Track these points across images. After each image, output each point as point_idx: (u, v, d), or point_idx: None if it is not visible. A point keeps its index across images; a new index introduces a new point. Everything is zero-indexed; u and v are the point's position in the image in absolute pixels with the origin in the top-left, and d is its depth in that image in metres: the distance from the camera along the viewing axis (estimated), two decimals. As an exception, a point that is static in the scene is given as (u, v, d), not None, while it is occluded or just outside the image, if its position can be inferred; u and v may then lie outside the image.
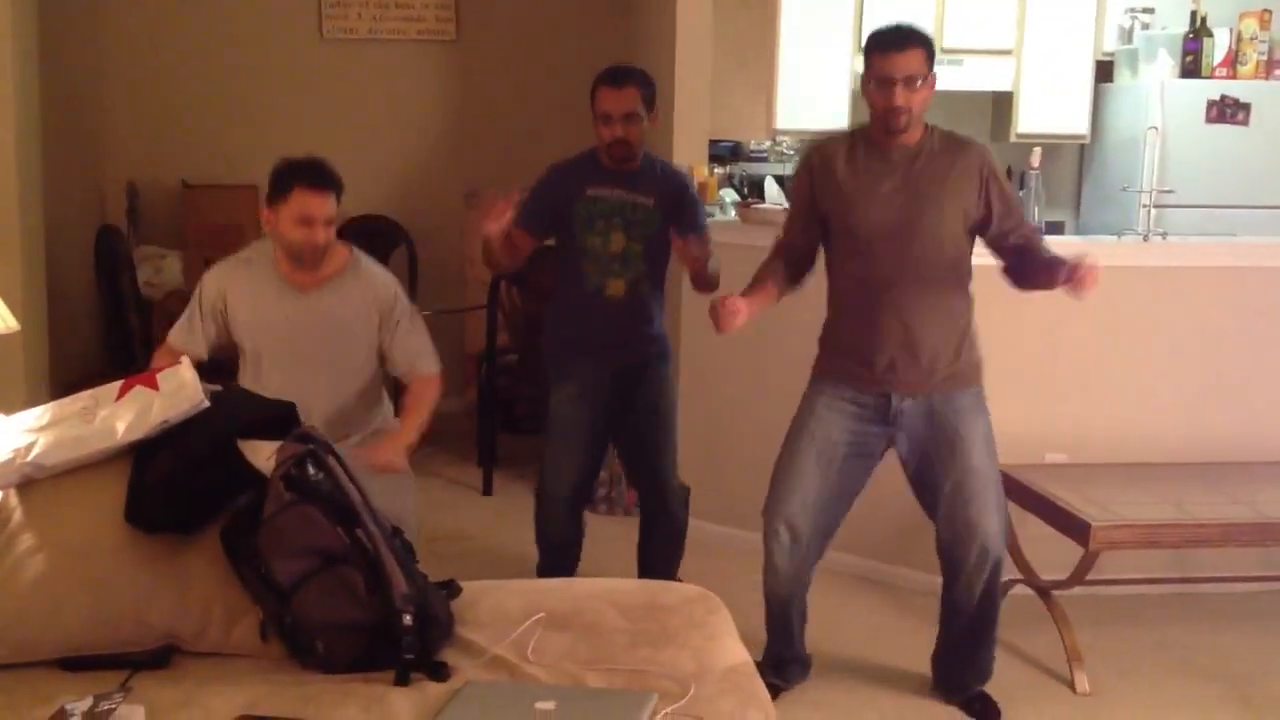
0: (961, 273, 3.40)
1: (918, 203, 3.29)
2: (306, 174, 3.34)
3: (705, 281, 3.77)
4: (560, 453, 3.96)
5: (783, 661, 3.62)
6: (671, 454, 4.04)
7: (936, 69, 3.31)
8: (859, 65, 6.04)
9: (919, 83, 3.21)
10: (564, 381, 3.94)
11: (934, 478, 3.43)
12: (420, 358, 3.60)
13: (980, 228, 3.36)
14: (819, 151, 3.45)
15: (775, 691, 3.42)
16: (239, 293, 3.46)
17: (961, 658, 3.59)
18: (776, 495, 3.49)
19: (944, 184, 3.30)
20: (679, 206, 3.83)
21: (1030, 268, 3.33)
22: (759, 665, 3.33)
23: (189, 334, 3.48)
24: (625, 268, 3.81)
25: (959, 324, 3.41)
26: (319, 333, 3.45)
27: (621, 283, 3.82)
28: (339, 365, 3.51)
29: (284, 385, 3.25)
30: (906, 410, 3.38)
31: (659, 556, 4.10)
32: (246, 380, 3.48)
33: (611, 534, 4.61)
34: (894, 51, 3.22)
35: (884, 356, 3.36)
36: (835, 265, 3.48)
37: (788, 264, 3.52)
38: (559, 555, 4.06)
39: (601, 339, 3.91)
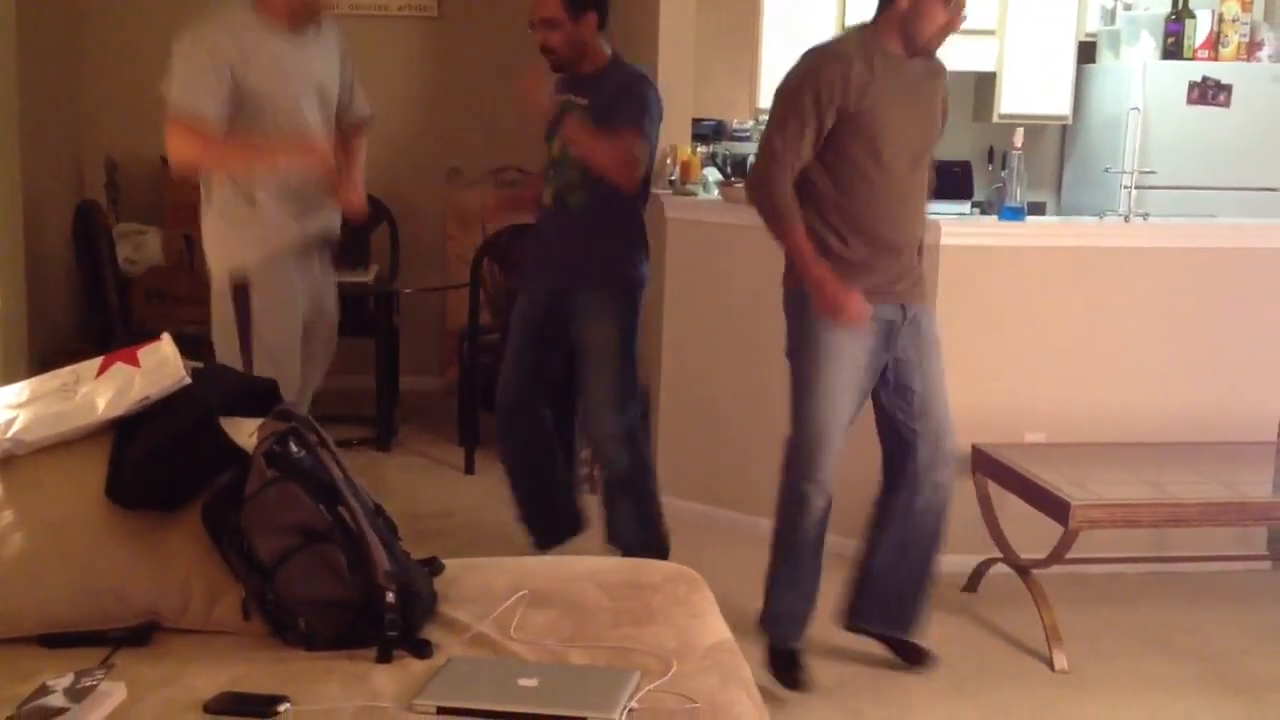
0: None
1: (931, 115, 3.40)
2: None
3: (599, 166, 3.64)
4: (502, 366, 3.99)
5: (803, 620, 3.58)
6: (603, 395, 3.83)
7: None
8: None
9: None
10: (523, 294, 3.98)
11: (908, 380, 3.47)
12: (361, 98, 3.80)
13: None
14: (840, 61, 3.25)
15: (794, 661, 3.46)
16: (248, 43, 3.44)
17: (903, 586, 3.59)
18: (817, 462, 3.41)
19: (939, 96, 3.44)
20: (614, 100, 3.68)
21: None
22: (770, 635, 3.44)
23: (213, 100, 3.39)
24: (556, 174, 3.74)
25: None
26: (324, 68, 3.61)
27: (550, 191, 3.75)
28: (332, 101, 3.66)
29: (292, 127, 3.47)
30: (910, 319, 3.43)
31: (610, 515, 4.00)
32: (243, 131, 3.46)
33: (594, 513, 4.60)
34: None
35: (901, 267, 3.39)
36: (844, 179, 3.31)
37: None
38: (517, 480, 4.06)
39: (535, 254, 3.87)
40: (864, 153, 3.27)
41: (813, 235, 3.32)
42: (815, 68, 3.26)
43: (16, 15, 4.94)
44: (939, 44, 3.33)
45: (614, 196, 3.73)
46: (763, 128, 6.32)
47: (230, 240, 3.55)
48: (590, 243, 3.78)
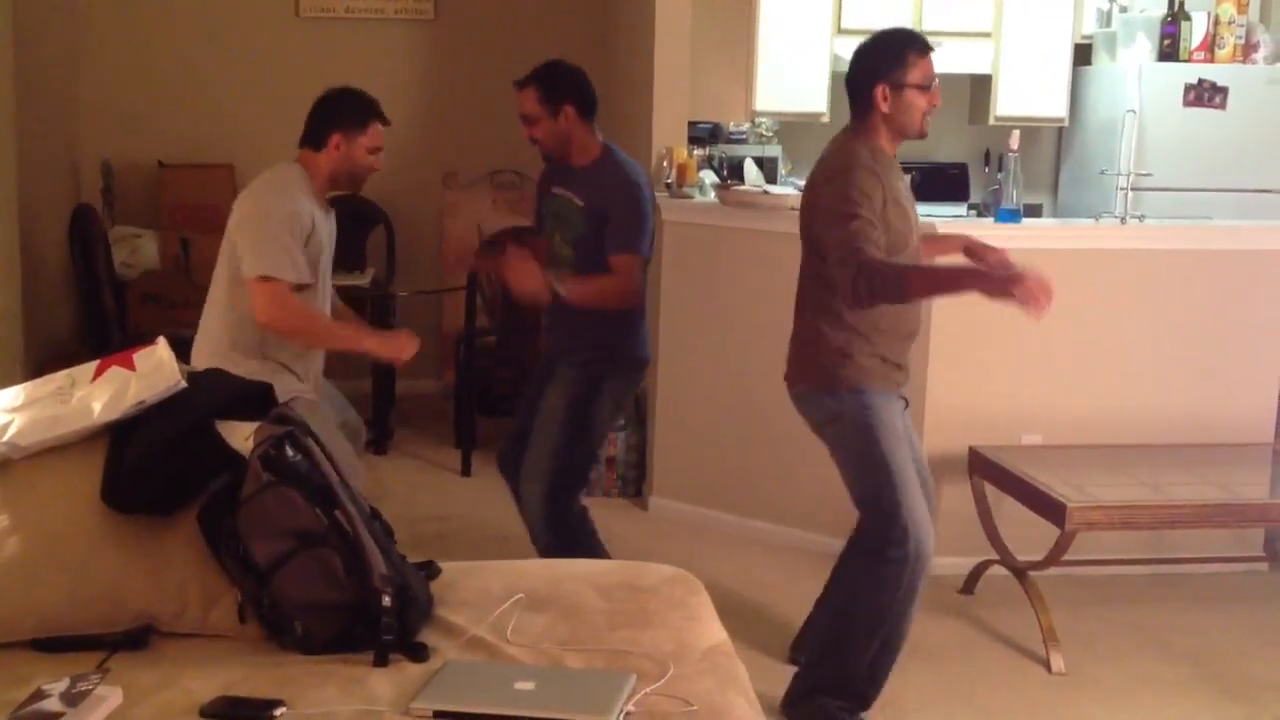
0: None
1: (913, 204, 3.37)
2: (378, 108, 3.68)
3: (608, 307, 3.72)
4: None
5: (874, 689, 3.37)
6: (537, 457, 3.77)
7: None
8: (838, 48, 6.07)
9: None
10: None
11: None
12: None
13: None
14: (870, 159, 3.24)
15: None
16: (310, 215, 3.54)
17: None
18: (923, 527, 3.23)
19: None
20: (607, 212, 3.70)
21: None
22: (827, 707, 3.28)
23: (303, 266, 3.46)
24: (557, 269, 3.73)
25: None
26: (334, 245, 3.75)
27: (551, 277, 3.71)
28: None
29: (324, 299, 3.65)
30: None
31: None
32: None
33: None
34: (929, 53, 3.28)
35: (908, 358, 3.40)
36: None
37: None
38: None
39: (544, 323, 3.93)
40: (889, 254, 3.21)
41: (854, 340, 3.26)
42: (855, 177, 3.18)
43: (13, 18, 4.93)
44: (926, 127, 3.31)
45: None
46: (759, 130, 6.38)
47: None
48: (577, 319, 3.76)
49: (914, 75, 3.24)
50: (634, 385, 3.97)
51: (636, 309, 3.85)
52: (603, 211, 3.70)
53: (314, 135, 3.62)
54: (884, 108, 3.24)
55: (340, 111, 3.62)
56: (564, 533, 3.80)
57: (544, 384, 3.87)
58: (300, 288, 3.48)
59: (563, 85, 3.73)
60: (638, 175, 3.81)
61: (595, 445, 3.93)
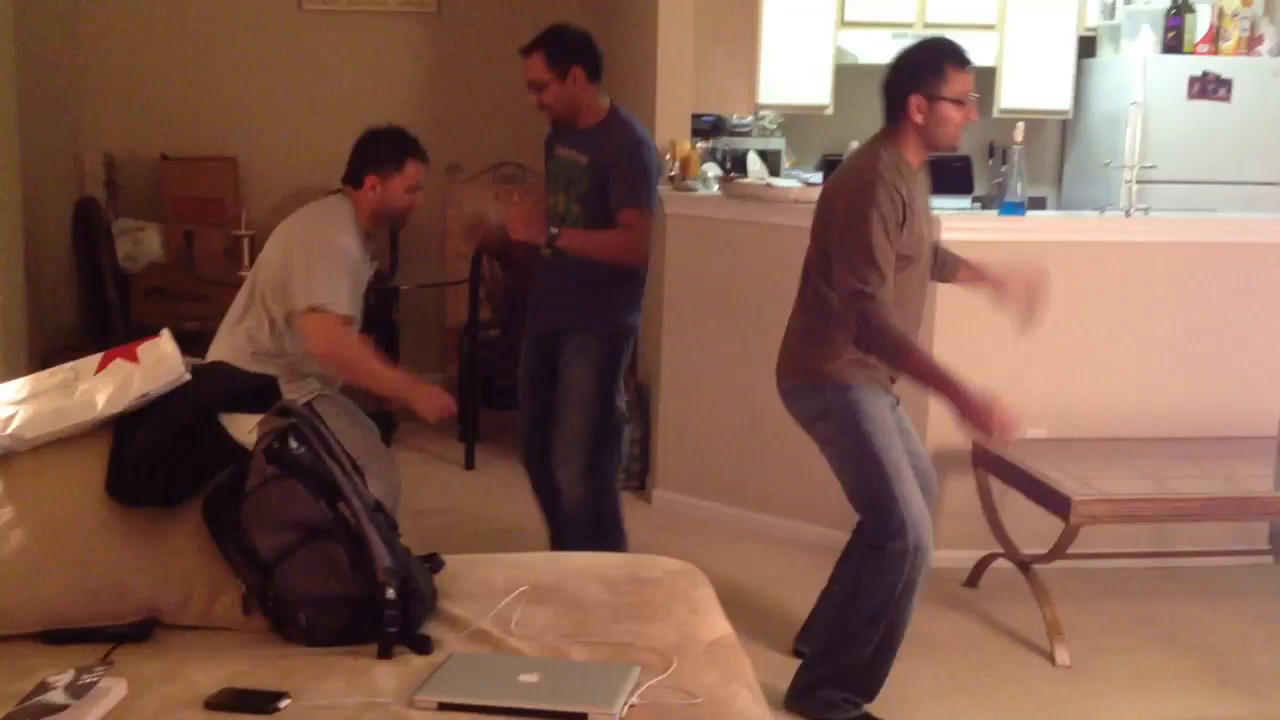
0: None
1: (932, 213, 3.38)
2: (416, 146, 3.64)
3: (609, 261, 3.73)
4: (523, 401, 4.02)
5: (877, 680, 3.37)
6: (568, 436, 3.79)
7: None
8: (842, 40, 6.07)
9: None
10: (528, 336, 4.00)
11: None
12: None
13: None
14: (888, 173, 3.18)
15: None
16: (357, 252, 3.55)
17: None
18: (921, 520, 3.22)
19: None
20: (611, 167, 3.70)
21: None
22: (832, 699, 3.29)
23: (350, 300, 3.48)
24: (560, 227, 3.73)
25: None
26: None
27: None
28: None
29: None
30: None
31: (556, 545, 3.92)
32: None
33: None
34: (969, 66, 3.25)
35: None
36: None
37: None
38: (545, 514, 4.04)
39: (536, 299, 3.92)
40: (904, 263, 3.22)
41: (842, 338, 3.24)
42: (876, 196, 3.14)
43: (14, 12, 4.92)
44: (959, 140, 3.30)
45: None
46: (762, 123, 6.37)
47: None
48: (585, 290, 3.79)
49: (951, 88, 3.20)
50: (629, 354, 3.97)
51: (642, 273, 3.86)
52: (607, 167, 3.70)
53: (352, 175, 3.63)
54: (917, 118, 3.21)
55: (375, 152, 3.61)
56: (605, 509, 3.85)
57: (548, 362, 3.85)
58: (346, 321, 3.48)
59: (570, 48, 3.74)
60: (643, 132, 3.84)
61: (620, 417, 3.93)
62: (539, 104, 3.77)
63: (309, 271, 3.43)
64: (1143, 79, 5.79)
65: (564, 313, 3.83)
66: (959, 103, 3.21)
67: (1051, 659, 3.75)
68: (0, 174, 4.72)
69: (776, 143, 6.28)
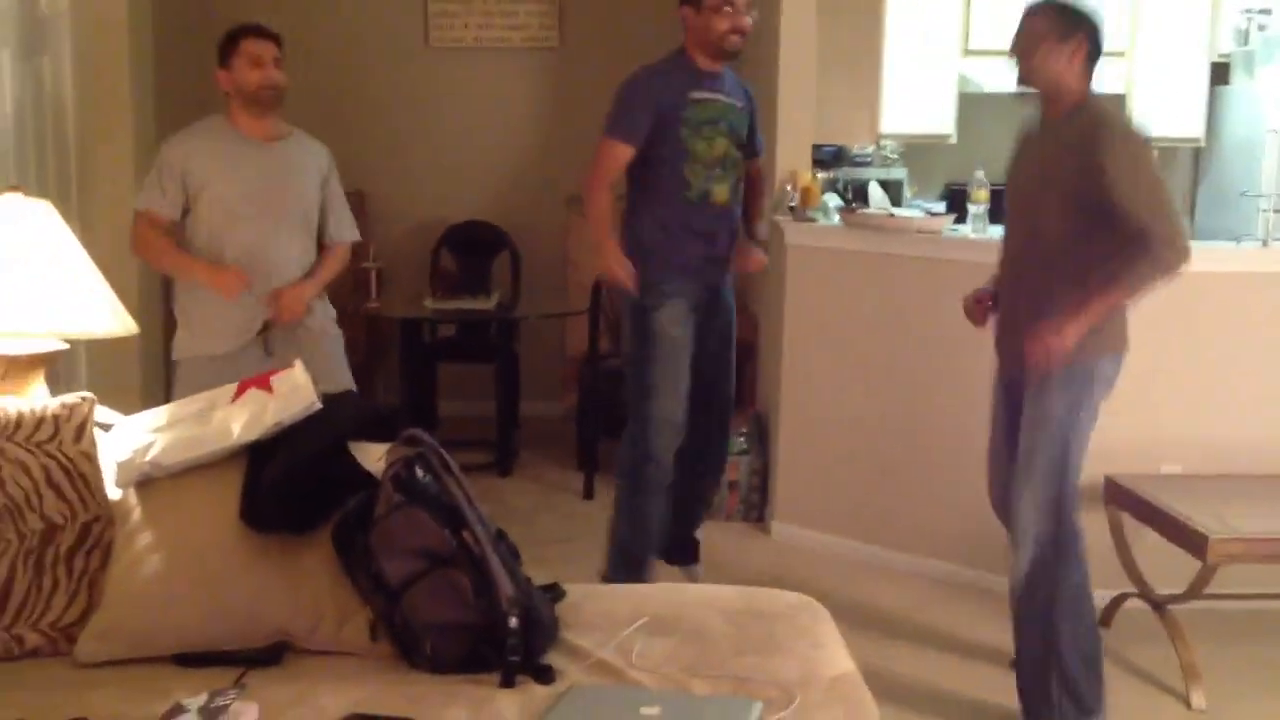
0: (1064, 255, 3.25)
1: (1033, 177, 3.34)
2: (249, 27, 3.87)
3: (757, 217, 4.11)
4: (671, 380, 3.87)
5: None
6: (732, 370, 4.13)
7: None
8: (965, 68, 5.99)
9: (1035, 48, 3.28)
10: (671, 300, 3.87)
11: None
12: (344, 223, 4.04)
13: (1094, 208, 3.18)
14: (1019, 132, 3.51)
15: None
16: (203, 154, 3.77)
17: (1027, 684, 3.42)
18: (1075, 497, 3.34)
19: (1051, 162, 3.28)
20: (753, 116, 4.02)
21: None
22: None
23: (162, 199, 3.75)
24: (726, 172, 3.87)
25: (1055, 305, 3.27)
26: (287, 181, 3.85)
27: (725, 188, 3.87)
28: (304, 215, 3.89)
29: (257, 238, 3.74)
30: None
31: (703, 494, 4.19)
32: (205, 241, 3.77)
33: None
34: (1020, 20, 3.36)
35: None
36: None
37: None
38: (661, 477, 3.94)
39: (707, 250, 3.92)
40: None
41: None
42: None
43: (155, 47, 5.09)
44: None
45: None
46: (884, 153, 6.32)
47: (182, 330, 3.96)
48: (736, 237, 4.02)
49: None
50: None
51: None
52: (750, 114, 4.02)
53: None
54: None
55: (219, 51, 3.88)
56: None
57: (711, 312, 4.01)
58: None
59: None
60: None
61: None
62: (743, 26, 3.82)
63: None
64: (1279, 106, 5.62)
65: (730, 264, 4.05)
66: None
67: (1187, 702, 3.63)
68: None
69: (898, 172, 6.23)
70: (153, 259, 3.89)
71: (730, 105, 3.91)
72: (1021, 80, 3.33)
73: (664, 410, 3.87)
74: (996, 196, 3.83)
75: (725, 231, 3.93)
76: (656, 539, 3.98)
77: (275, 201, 3.80)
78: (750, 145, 4.04)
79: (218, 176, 3.74)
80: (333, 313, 4.02)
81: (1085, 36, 3.25)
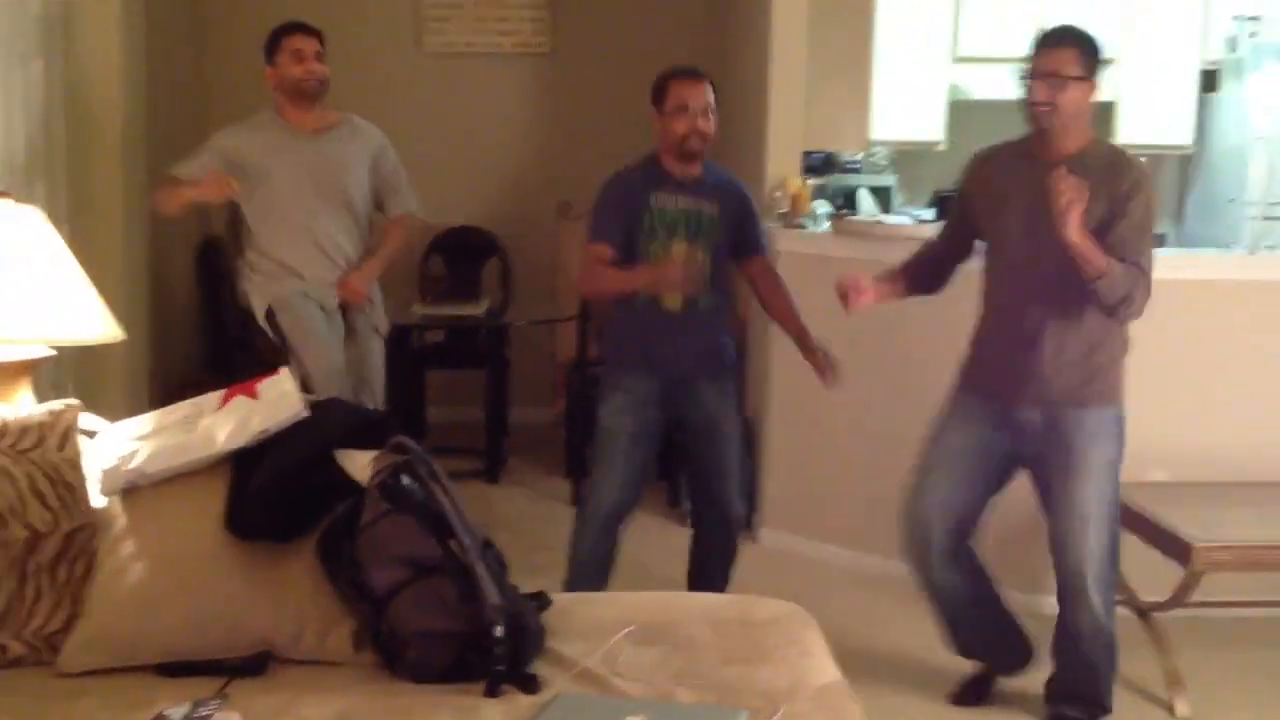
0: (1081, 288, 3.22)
1: (1051, 217, 3.09)
2: (292, 24, 4.22)
3: (798, 328, 3.96)
4: (605, 469, 3.87)
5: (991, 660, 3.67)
6: (734, 477, 3.89)
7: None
8: (955, 76, 6.01)
9: (1070, 83, 3.16)
10: (612, 393, 3.86)
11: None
12: (403, 197, 4.42)
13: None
14: (980, 156, 3.45)
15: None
16: (254, 147, 4.16)
17: (1064, 687, 3.51)
18: None
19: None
20: (742, 218, 3.86)
21: None
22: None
23: (187, 167, 4.15)
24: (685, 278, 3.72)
25: (1084, 342, 3.30)
26: (333, 171, 4.22)
27: (678, 295, 3.74)
28: (349, 203, 4.28)
29: (305, 226, 4.18)
30: (1026, 421, 3.36)
31: (704, 584, 3.95)
32: (258, 228, 4.27)
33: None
34: (1047, 48, 3.20)
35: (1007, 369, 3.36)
36: (984, 274, 3.47)
37: (924, 263, 3.56)
38: (587, 573, 3.90)
39: (655, 348, 3.82)
40: (986, 240, 3.48)
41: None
42: (967, 163, 3.50)
43: (147, 51, 5.09)
44: (1035, 125, 3.26)
45: (725, 290, 3.92)
46: (874, 160, 6.32)
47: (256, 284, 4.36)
48: (714, 333, 3.88)
49: (1027, 68, 3.25)
50: None
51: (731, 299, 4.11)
52: (735, 216, 3.85)
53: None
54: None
55: (265, 49, 4.25)
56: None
57: (679, 409, 3.84)
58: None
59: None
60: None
61: None
62: (699, 130, 3.72)
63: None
64: (1267, 113, 5.64)
65: (698, 362, 3.83)
66: (1028, 79, 3.21)
67: (1171, 710, 3.64)
68: (127, 212, 4.88)
69: (888, 179, 6.23)
70: (159, 203, 4.28)
71: (694, 209, 3.76)
72: (1041, 109, 3.18)
73: (594, 496, 3.92)
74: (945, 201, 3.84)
75: (689, 338, 3.79)
76: (593, 584, 3.92)
77: (324, 191, 4.16)
78: (747, 244, 3.89)
79: (269, 168, 4.12)
80: (381, 320, 4.54)
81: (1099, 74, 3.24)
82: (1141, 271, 3.16)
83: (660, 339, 3.81)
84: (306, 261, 4.29)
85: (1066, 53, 3.18)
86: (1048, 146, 3.24)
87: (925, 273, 3.57)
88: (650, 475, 4.27)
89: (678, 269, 3.64)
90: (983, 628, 3.59)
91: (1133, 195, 3.17)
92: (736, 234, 3.83)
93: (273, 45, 4.20)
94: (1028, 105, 3.22)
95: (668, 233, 3.76)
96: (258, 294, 4.35)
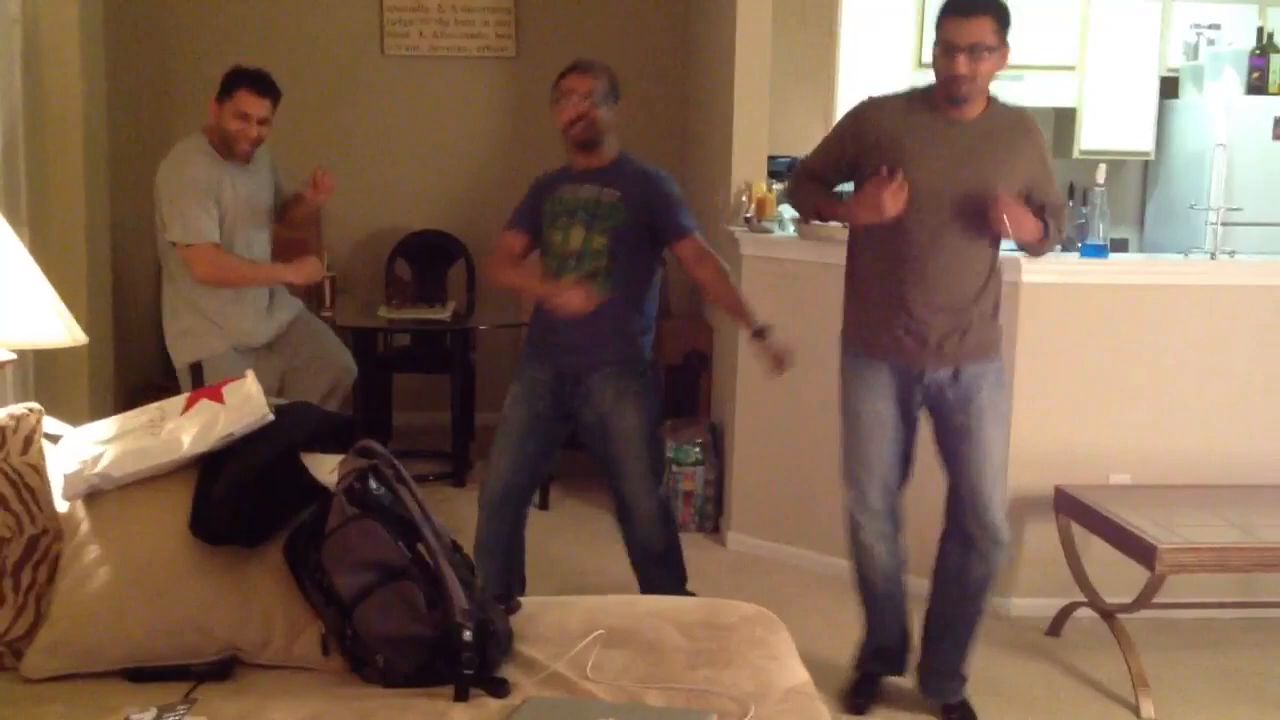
0: (993, 245, 3.40)
1: (972, 176, 3.26)
2: (250, 78, 4.13)
3: (736, 306, 3.82)
4: (495, 454, 3.91)
5: (891, 651, 3.71)
6: (638, 476, 3.78)
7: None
8: (919, 80, 6.03)
9: (986, 53, 3.18)
10: (514, 382, 3.88)
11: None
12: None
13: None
14: (874, 104, 3.43)
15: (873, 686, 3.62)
16: (217, 174, 4.12)
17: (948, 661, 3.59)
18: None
19: (1000, 161, 3.29)
20: (650, 201, 3.71)
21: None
22: (863, 665, 3.60)
23: (215, 227, 4.11)
24: (580, 264, 3.69)
25: (985, 295, 3.40)
26: (263, 195, 4.34)
27: (573, 279, 3.68)
28: (269, 221, 4.42)
29: (248, 246, 4.26)
30: (931, 379, 3.41)
31: (647, 583, 3.89)
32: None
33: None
34: (962, 17, 3.19)
35: (903, 325, 3.41)
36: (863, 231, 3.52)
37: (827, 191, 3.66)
38: (482, 558, 3.87)
39: (550, 338, 3.78)
40: None
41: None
42: (856, 106, 3.53)
43: (107, 52, 5.06)
44: (950, 96, 3.28)
45: (634, 281, 3.77)
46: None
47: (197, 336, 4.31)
48: (615, 326, 3.74)
49: (939, 35, 3.24)
50: None
51: (652, 285, 3.93)
52: (641, 201, 3.71)
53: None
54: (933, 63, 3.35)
55: (222, 83, 4.14)
56: (671, 524, 3.94)
57: (576, 403, 3.77)
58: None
59: (613, 81, 3.85)
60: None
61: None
62: (581, 114, 3.75)
63: (173, 212, 4.07)
64: (1226, 120, 5.70)
65: (595, 355, 3.74)
66: (944, 48, 3.22)
67: (1136, 711, 3.66)
68: (90, 217, 4.84)
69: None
70: (238, 278, 4.23)
71: (592, 198, 3.73)
72: (963, 81, 3.19)
73: (485, 481, 3.98)
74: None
75: (583, 332, 3.69)
76: (495, 579, 3.89)
77: (256, 214, 4.29)
78: (666, 228, 3.74)
79: (231, 195, 4.16)
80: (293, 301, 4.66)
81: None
82: (1060, 205, 3.45)
83: (556, 332, 3.77)
84: (239, 310, 4.30)
85: (985, 22, 3.18)
86: (957, 110, 3.28)
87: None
88: (554, 466, 4.39)
89: (570, 299, 3.58)
90: (894, 608, 3.65)
91: (1039, 146, 3.37)
92: (648, 218, 3.71)
93: (227, 88, 4.11)
94: (946, 76, 3.23)
95: (568, 219, 3.74)
96: (188, 344, 4.29)
